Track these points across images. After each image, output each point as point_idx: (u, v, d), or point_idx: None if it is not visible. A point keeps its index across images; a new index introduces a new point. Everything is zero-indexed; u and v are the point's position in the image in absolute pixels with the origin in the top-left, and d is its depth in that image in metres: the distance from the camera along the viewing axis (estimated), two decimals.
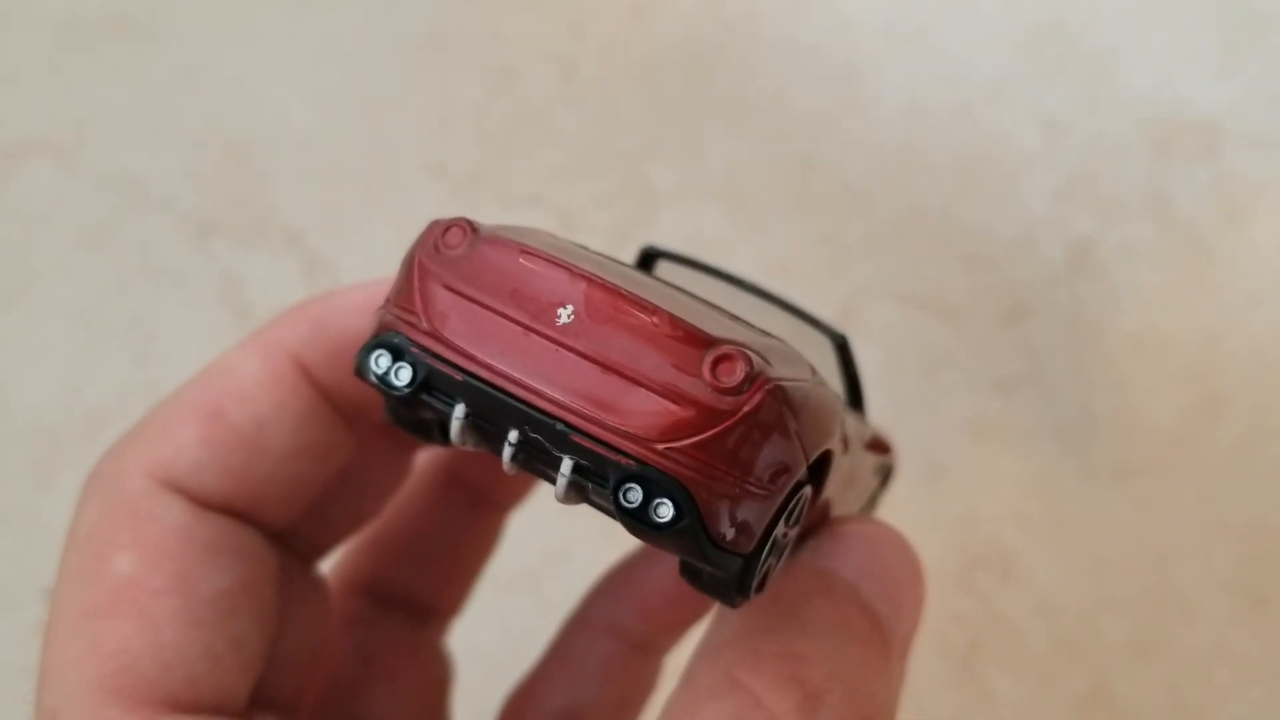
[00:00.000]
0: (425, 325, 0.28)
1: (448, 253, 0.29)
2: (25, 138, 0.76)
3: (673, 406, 0.26)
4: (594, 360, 0.27)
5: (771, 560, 0.29)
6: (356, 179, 0.75)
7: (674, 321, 0.27)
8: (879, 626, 0.31)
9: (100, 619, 0.32)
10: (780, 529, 0.29)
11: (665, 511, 0.26)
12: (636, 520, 0.26)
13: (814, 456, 0.28)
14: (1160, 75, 0.78)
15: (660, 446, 0.26)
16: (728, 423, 0.26)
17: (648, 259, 0.38)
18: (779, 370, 0.27)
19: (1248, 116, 0.76)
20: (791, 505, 0.28)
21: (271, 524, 0.34)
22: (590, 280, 0.28)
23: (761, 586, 0.29)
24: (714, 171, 0.76)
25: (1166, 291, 0.72)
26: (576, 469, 0.26)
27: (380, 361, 0.28)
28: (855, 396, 0.38)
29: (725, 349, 0.26)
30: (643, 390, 0.26)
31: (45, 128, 0.77)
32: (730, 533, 0.27)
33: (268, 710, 0.36)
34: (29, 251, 0.73)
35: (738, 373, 0.26)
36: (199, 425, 0.33)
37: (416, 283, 0.29)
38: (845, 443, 0.31)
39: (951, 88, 0.79)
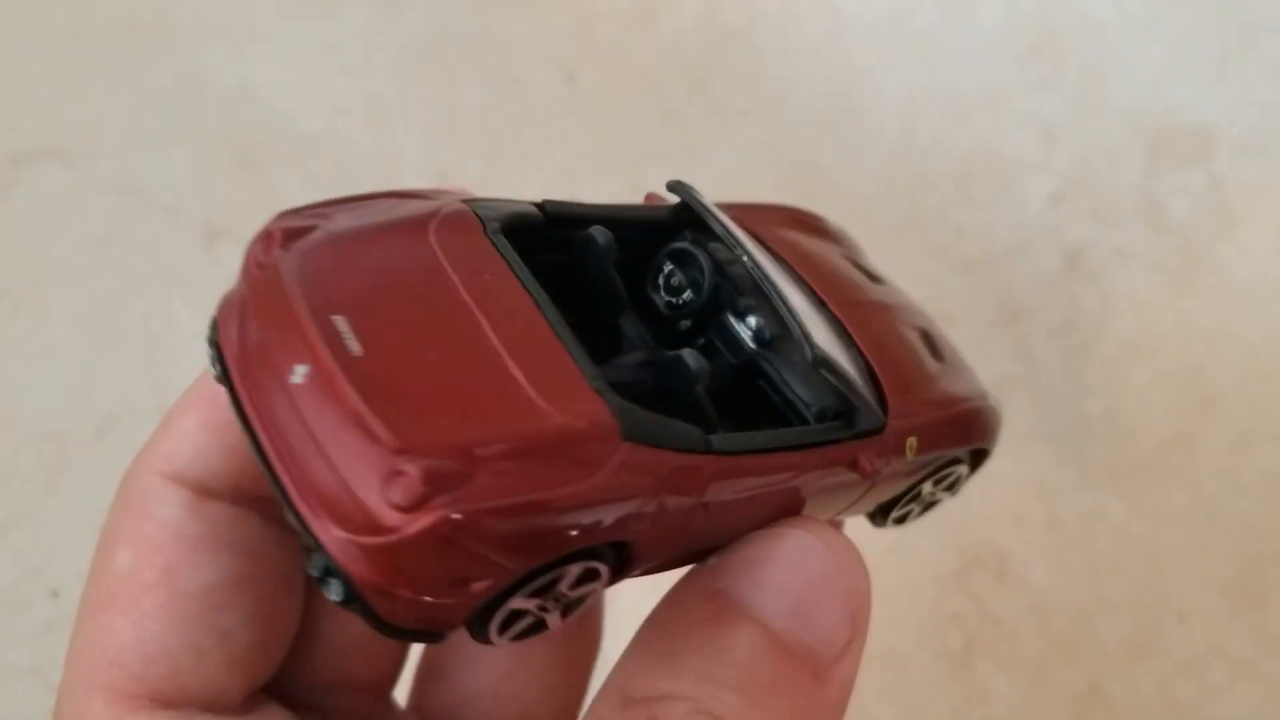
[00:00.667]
0: (230, 338, 0.30)
1: (253, 268, 0.31)
2: (34, 143, 0.77)
3: (351, 501, 0.26)
4: (307, 429, 0.27)
5: (530, 615, 0.29)
6: (361, 184, 0.76)
7: (369, 418, 0.26)
8: (790, 655, 0.29)
9: (99, 614, 0.33)
10: (528, 603, 0.28)
11: (335, 591, 0.26)
12: (318, 584, 0.26)
13: (541, 563, 0.27)
14: (1155, 82, 0.79)
15: (337, 533, 0.26)
16: (391, 538, 0.25)
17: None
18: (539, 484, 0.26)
19: (1241, 123, 0.77)
20: (543, 580, 0.27)
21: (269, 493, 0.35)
22: (317, 351, 0.27)
23: (519, 635, 0.29)
24: (715, 176, 0.77)
25: (1160, 295, 0.72)
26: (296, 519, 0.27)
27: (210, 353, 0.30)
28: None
29: (404, 465, 0.25)
30: (336, 474, 0.26)
31: (54, 133, 0.78)
32: (409, 623, 0.27)
33: (312, 693, 0.37)
34: (38, 256, 0.73)
35: (410, 492, 0.25)
36: (198, 412, 0.34)
37: (236, 287, 0.31)
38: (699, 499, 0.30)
39: (949, 94, 0.79)
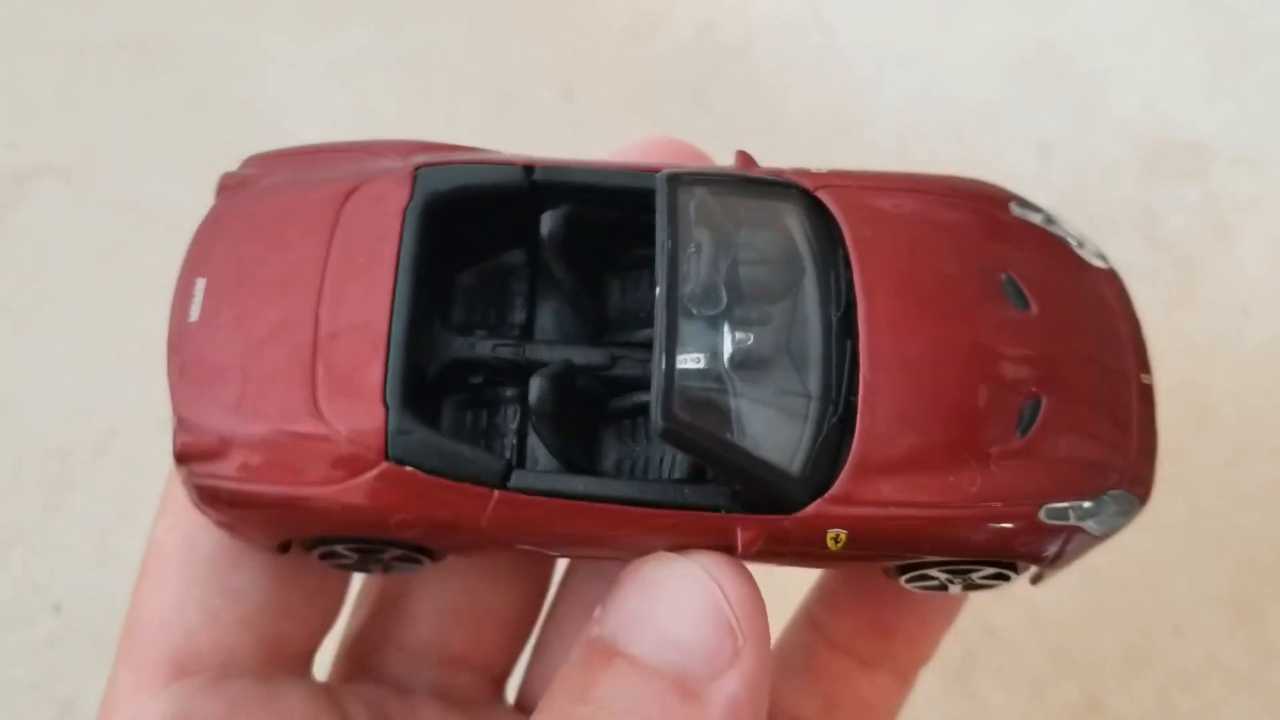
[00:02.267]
0: None
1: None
2: (36, 161, 0.78)
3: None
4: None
5: (349, 558, 0.33)
6: None
7: (172, 385, 0.35)
8: (652, 679, 0.28)
9: (138, 586, 0.35)
10: (349, 552, 0.32)
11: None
12: None
13: (287, 539, 0.33)
14: (1150, 96, 0.79)
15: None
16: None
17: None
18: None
19: (1236, 136, 0.77)
20: (361, 545, 0.32)
21: None
22: (170, 311, 0.34)
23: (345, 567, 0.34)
24: None
25: (1156, 309, 0.73)
26: None
27: None
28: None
29: (178, 433, 0.32)
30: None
31: (56, 151, 0.78)
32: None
33: (407, 664, 0.38)
34: (40, 272, 0.74)
35: (177, 454, 0.33)
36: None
37: None
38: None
39: (945, 110, 0.80)
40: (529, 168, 0.34)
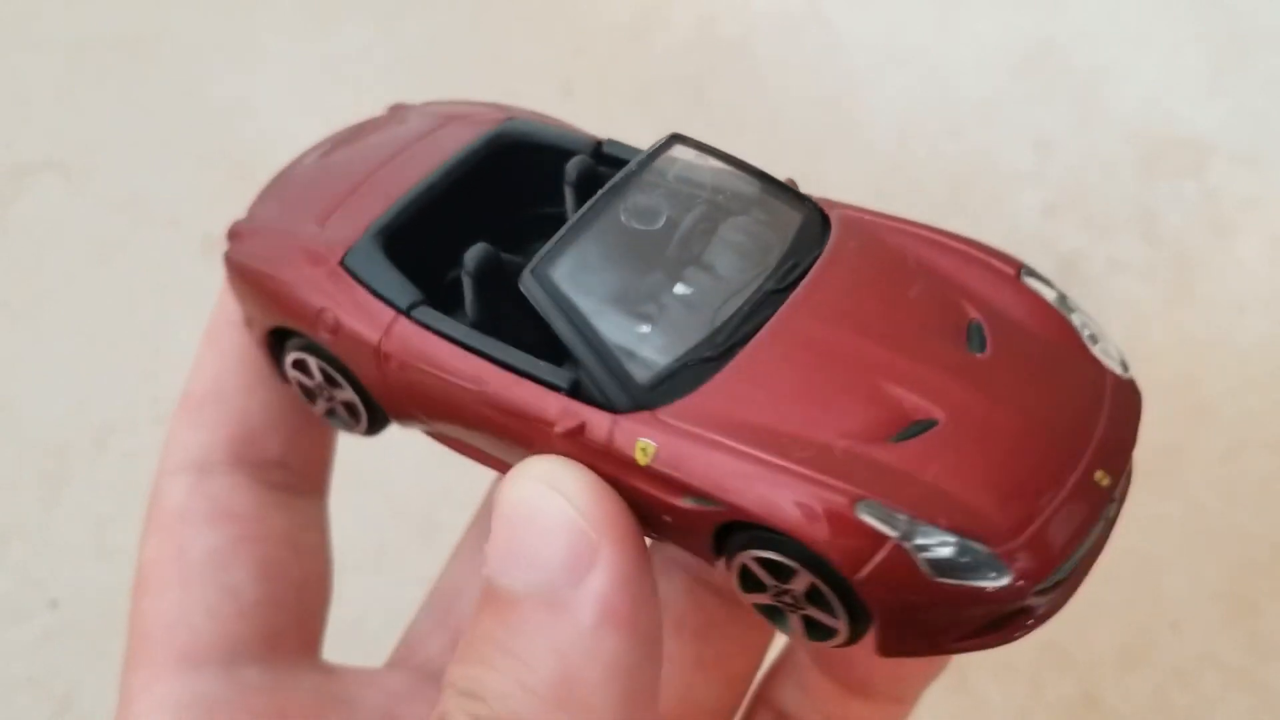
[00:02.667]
0: None
1: None
2: (35, 157, 0.78)
3: None
4: None
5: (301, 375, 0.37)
6: None
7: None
8: (519, 602, 0.29)
9: (134, 601, 0.37)
10: (298, 352, 0.37)
11: None
12: None
13: (275, 325, 0.37)
14: (1149, 94, 0.79)
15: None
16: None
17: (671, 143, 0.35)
18: None
19: (1234, 134, 0.77)
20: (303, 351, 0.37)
21: (267, 459, 0.39)
22: None
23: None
24: None
25: (1154, 305, 0.73)
26: None
27: None
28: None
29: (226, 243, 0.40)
30: None
31: (55, 147, 0.78)
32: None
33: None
34: (38, 268, 0.74)
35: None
36: (186, 404, 0.40)
37: None
38: None
39: (944, 107, 0.80)
40: (599, 142, 0.37)
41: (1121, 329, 0.72)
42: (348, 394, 0.36)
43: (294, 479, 0.40)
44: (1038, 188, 0.77)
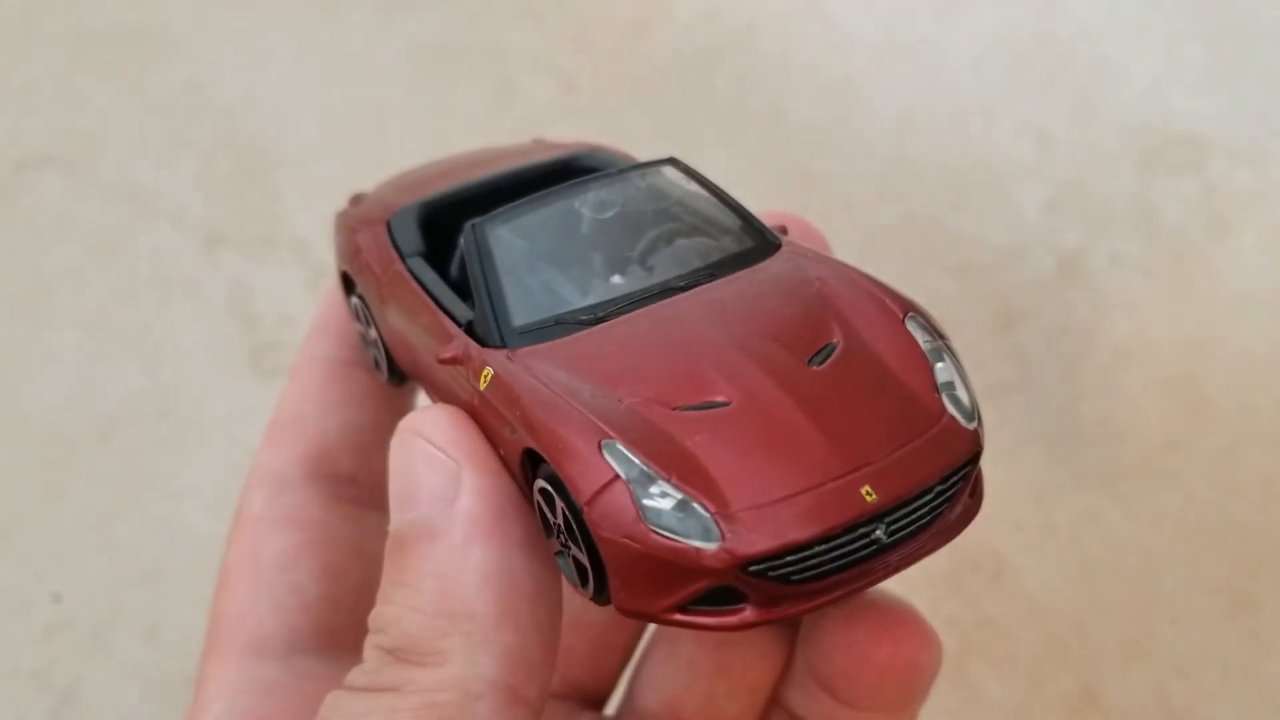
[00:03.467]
0: None
1: None
2: (37, 150, 0.78)
3: None
4: None
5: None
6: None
7: None
8: (407, 541, 0.32)
9: (215, 598, 0.41)
10: None
11: None
12: None
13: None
14: (1149, 89, 0.79)
15: None
16: None
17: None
18: None
19: (1234, 129, 0.77)
20: None
21: (339, 474, 0.43)
22: None
23: None
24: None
25: (1154, 300, 0.73)
26: None
27: None
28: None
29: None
30: None
31: (57, 140, 0.78)
32: None
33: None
34: (41, 261, 0.74)
35: None
36: (273, 431, 0.44)
37: None
38: None
39: (945, 101, 0.80)
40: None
41: (1122, 326, 0.72)
42: (373, 333, 0.41)
43: (364, 494, 0.44)
44: (1038, 183, 0.77)
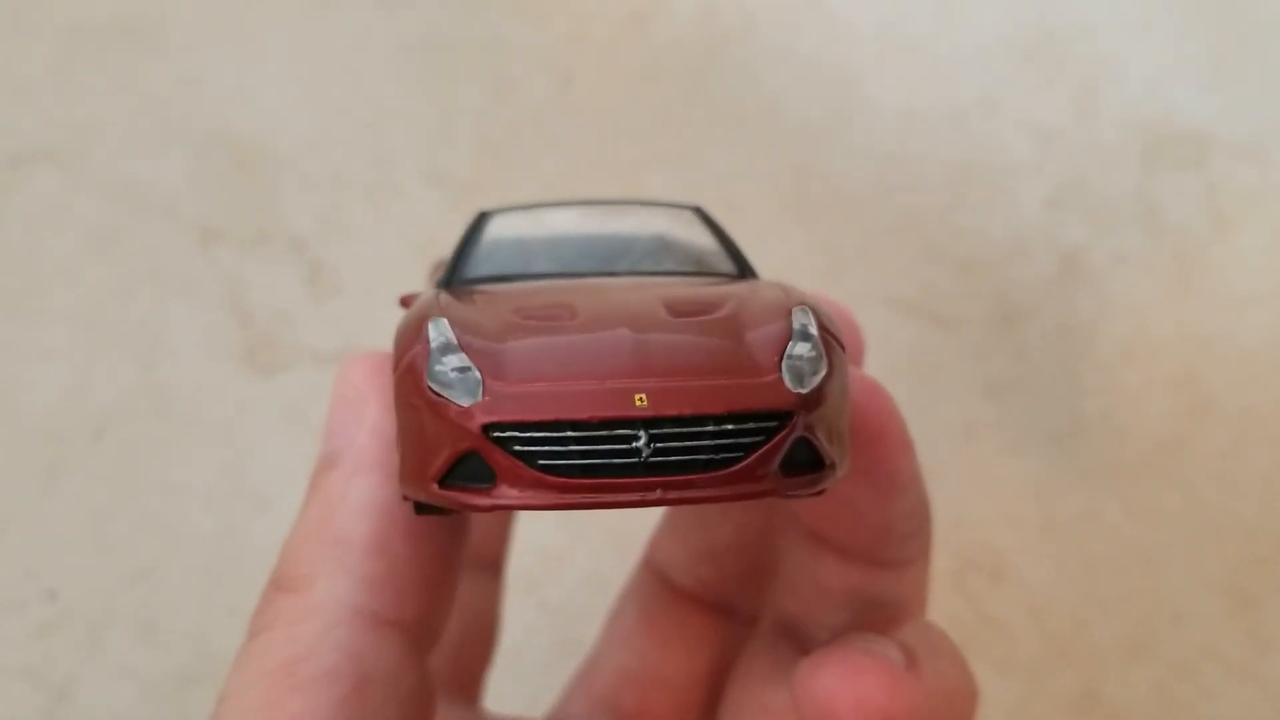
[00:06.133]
0: None
1: None
2: (30, 145, 0.77)
3: None
4: None
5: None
6: (358, 186, 0.76)
7: None
8: (318, 474, 0.33)
9: None
10: None
11: None
12: None
13: None
14: (1151, 84, 0.79)
15: None
16: None
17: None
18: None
19: (1236, 126, 0.77)
20: None
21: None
22: None
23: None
24: (711, 179, 0.77)
25: (1156, 298, 0.73)
26: None
27: None
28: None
29: None
30: None
31: (50, 135, 0.78)
32: None
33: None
34: (34, 257, 0.74)
35: None
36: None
37: None
38: None
39: (945, 96, 0.80)
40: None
41: (1124, 323, 0.72)
42: None
43: (471, 554, 0.44)
44: (1040, 180, 0.77)
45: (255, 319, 0.72)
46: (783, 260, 0.73)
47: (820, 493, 0.31)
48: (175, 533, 0.65)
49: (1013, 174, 0.77)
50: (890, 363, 0.70)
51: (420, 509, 0.31)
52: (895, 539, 0.37)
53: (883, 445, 0.35)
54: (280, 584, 0.32)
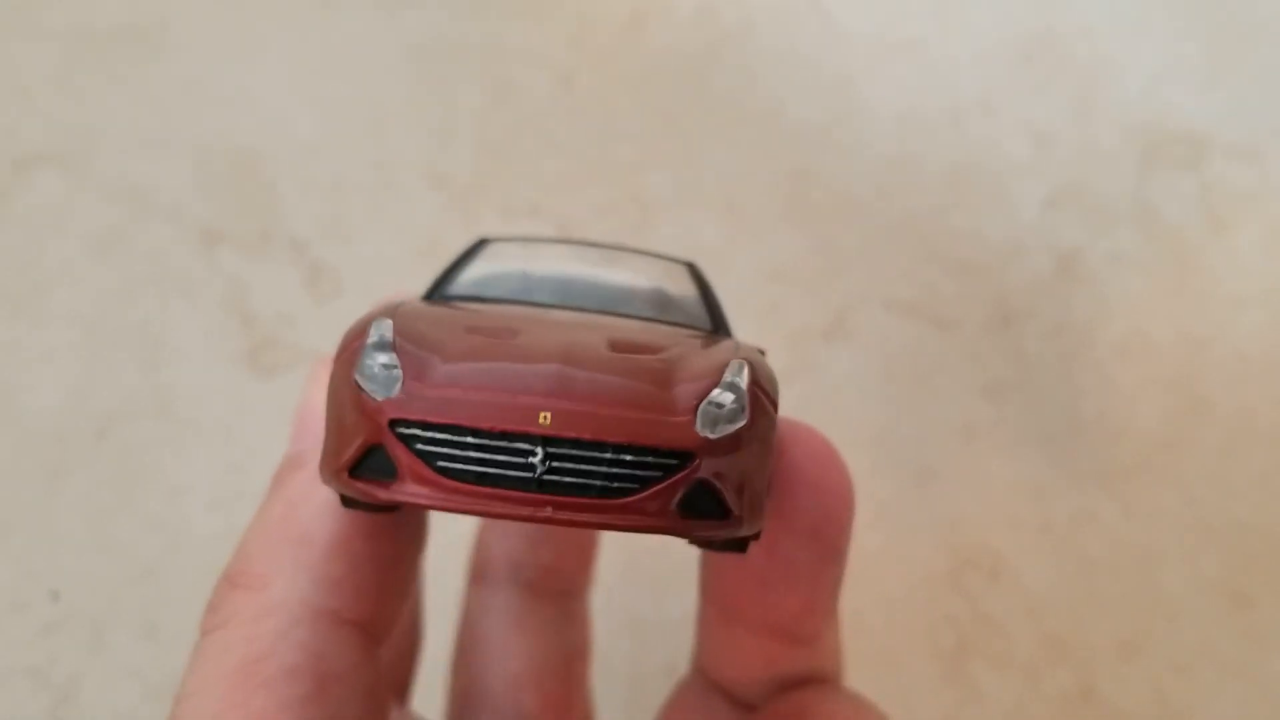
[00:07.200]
0: None
1: None
2: (34, 148, 0.77)
3: None
4: None
5: None
6: (359, 189, 0.77)
7: None
8: (279, 470, 0.34)
9: None
10: None
11: None
12: None
13: None
14: (1147, 86, 0.79)
15: None
16: None
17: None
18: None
19: (1232, 127, 0.77)
20: None
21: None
22: None
23: None
24: (710, 181, 0.77)
25: (1153, 298, 0.73)
26: None
27: None
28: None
29: None
30: None
31: (53, 138, 0.78)
32: None
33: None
34: (38, 260, 0.74)
35: None
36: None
37: None
38: None
39: (943, 98, 0.80)
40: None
41: (1121, 323, 0.72)
42: None
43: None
44: (1037, 180, 0.77)
45: (257, 320, 0.72)
46: (781, 262, 0.74)
47: (741, 548, 0.31)
48: (178, 533, 0.65)
49: (1010, 175, 0.77)
50: (889, 364, 0.70)
51: (346, 502, 0.32)
52: (819, 614, 0.36)
53: (834, 502, 0.34)
54: (236, 581, 0.32)
